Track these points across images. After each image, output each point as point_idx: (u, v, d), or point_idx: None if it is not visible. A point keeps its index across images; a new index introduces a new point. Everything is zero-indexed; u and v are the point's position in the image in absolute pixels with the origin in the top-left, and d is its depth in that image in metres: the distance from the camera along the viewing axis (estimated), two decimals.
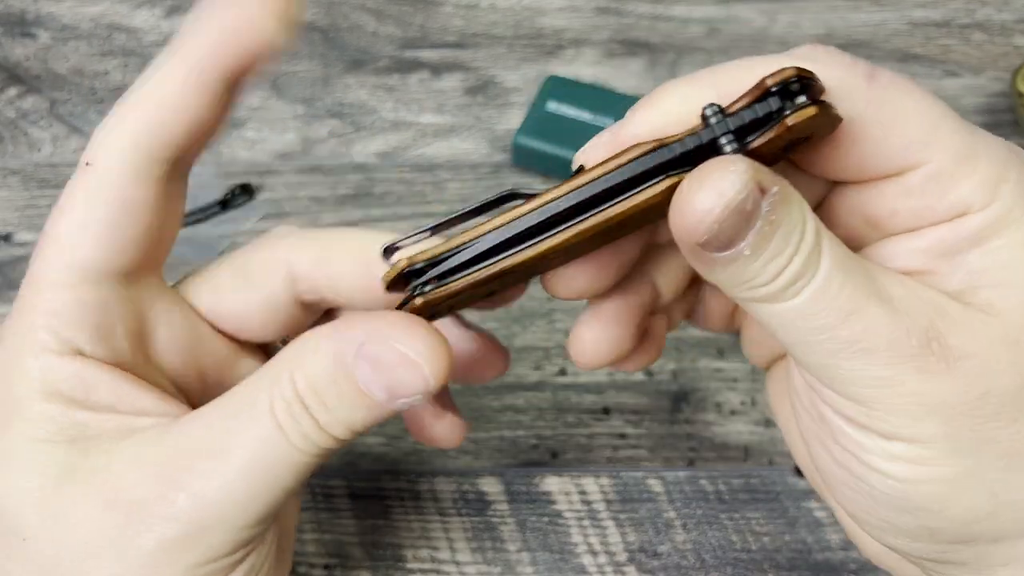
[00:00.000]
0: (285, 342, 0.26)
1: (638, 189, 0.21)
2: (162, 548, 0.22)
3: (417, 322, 0.23)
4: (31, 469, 0.23)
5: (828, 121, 0.21)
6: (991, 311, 0.22)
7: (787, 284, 0.20)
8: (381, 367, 0.22)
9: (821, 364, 0.22)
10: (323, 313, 0.29)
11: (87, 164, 0.24)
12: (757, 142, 0.20)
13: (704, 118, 0.21)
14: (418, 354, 0.22)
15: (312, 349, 0.23)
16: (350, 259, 0.26)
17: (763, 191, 0.19)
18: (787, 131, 0.20)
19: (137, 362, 0.25)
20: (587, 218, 0.21)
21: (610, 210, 0.21)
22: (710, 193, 0.19)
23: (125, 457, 0.23)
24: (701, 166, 0.20)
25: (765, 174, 0.20)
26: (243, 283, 0.26)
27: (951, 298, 0.22)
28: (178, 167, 0.24)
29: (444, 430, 0.28)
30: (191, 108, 0.23)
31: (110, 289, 0.24)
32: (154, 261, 0.25)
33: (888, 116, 0.23)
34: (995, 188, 0.22)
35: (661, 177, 0.21)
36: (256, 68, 0.24)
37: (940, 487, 0.22)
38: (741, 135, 0.20)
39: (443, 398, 0.29)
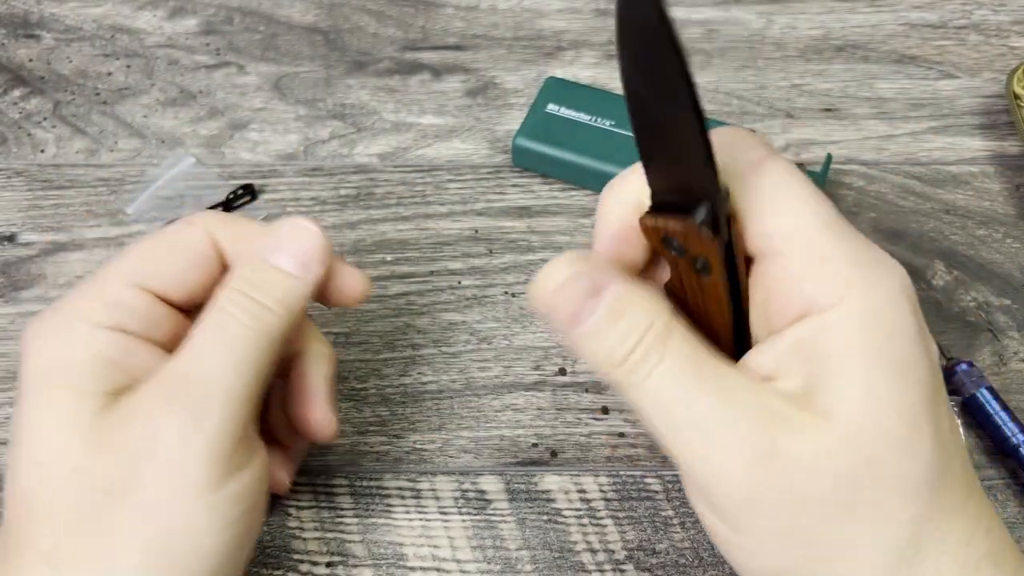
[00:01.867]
0: None
1: None
2: (180, 433, 0.26)
3: (301, 216, 0.30)
4: (76, 412, 0.27)
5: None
6: (826, 417, 0.24)
7: (632, 368, 0.25)
8: (282, 243, 0.29)
9: (669, 448, 0.25)
10: None
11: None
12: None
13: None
14: (305, 222, 0.30)
15: (237, 263, 0.30)
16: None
17: (599, 287, 0.25)
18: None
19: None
20: None
21: None
22: (544, 278, 0.26)
23: (137, 394, 0.27)
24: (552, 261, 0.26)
25: (605, 274, 0.25)
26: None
27: (792, 401, 0.24)
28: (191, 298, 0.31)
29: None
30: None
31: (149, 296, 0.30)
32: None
33: (759, 204, 0.25)
34: (842, 292, 0.24)
35: None
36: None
37: None
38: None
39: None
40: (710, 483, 0.25)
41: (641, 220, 0.26)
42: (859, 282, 0.24)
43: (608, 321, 0.25)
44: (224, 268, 0.31)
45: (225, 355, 0.27)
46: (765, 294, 0.26)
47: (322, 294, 0.32)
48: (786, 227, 0.25)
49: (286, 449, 0.34)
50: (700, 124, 0.23)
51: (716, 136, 0.24)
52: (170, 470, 0.26)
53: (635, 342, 0.25)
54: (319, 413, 0.32)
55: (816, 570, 0.24)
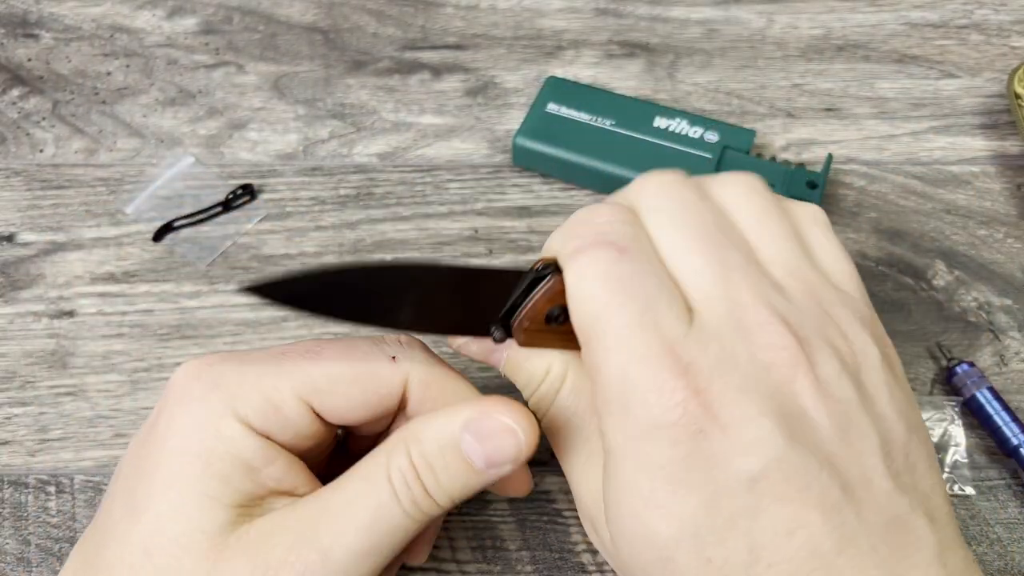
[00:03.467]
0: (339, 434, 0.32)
1: None
2: None
3: (513, 401, 0.26)
4: (200, 524, 0.25)
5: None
6: (615, 538, 0.25)
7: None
8: (483, 437, 0.26)
9: None
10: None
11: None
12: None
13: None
14: (516, 423, 0.26)
15: (425, 425, 0.26)
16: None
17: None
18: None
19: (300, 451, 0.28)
20: None
21: None
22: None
23: (272, 522, 0.26)
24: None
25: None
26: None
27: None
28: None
29: (519, 482, 0.31)
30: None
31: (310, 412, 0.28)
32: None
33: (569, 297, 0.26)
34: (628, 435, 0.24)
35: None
36: None
37: None
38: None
39: None
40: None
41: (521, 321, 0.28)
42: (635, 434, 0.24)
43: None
44: (401, 406, 0.29)
45: (366, 534, 0.25)
46: None
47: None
48: (579, 330, 0.26)
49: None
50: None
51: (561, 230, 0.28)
52: None
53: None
54: (519, 481, 0.31)
55: None
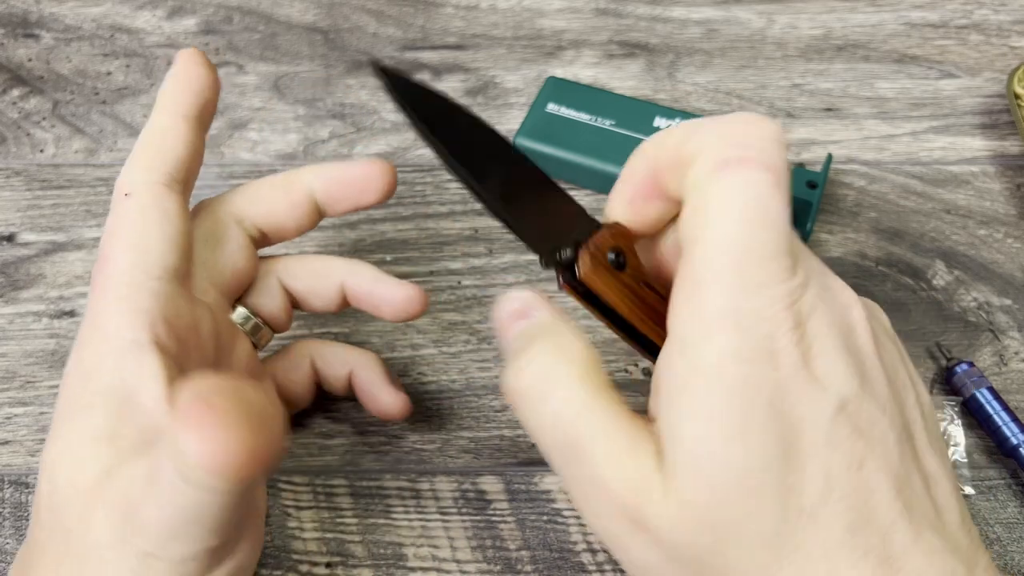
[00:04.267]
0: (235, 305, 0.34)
1: None
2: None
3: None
4: (85, 467, 0.26)
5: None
6: (672, 476, 0.23)
7: (529, 388, 0.26)
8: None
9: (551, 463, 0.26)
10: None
11: (126, 194, 0.31)
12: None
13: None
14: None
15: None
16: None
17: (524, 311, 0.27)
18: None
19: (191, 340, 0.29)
20: None
21: None
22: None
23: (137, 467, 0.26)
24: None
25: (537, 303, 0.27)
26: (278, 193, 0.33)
27: (659, 466, 0.24)
28: (186, 186, 0.32)
29: (389, 401, 0.35)
30: (183, 140, 0.32)
31: (170, 285, 0.29)
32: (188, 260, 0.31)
33: (701, 201, 0.24)
34: (712, 323, 0.23)
35: None
36: (212, 104, 0.34)
37: None
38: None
39: (390, 378, 0.36)
40: (592, 526, 0.26)
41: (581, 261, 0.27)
42: (745, 320, 0.23)
43: (521, 342, 0.27)
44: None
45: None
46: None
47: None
48: (697, 247, 0.24)
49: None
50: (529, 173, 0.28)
51: (716, 122, 0.25)
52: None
53: (534, 365, 0.26)
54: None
55: None
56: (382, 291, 0.34)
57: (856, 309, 0.25)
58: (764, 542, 0.23)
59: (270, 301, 0.34)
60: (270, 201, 0.33)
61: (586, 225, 0.28)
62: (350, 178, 0.33)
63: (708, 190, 0.24)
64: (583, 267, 0.27)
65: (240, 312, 0.33)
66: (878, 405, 0.24)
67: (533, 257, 0.43)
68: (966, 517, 0.25)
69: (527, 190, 0.29)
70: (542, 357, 0.26)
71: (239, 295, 0.34)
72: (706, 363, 0.23)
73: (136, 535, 0.25)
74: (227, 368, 0.31)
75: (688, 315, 0.24)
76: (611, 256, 0.27)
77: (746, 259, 0.23)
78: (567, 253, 0.27)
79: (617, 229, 0.28)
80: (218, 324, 0.31)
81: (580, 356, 0.26)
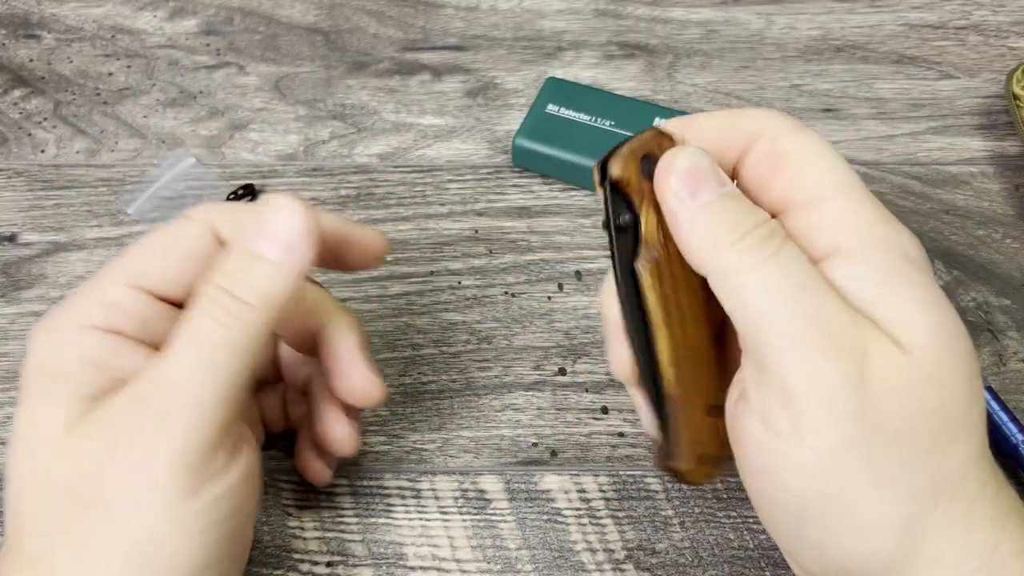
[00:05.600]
0: None
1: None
2: (148, 440, 0.25)
3: (285, 194, 0.28)
4: (53, 418, 0.26)
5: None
6: (910, 348, 0.24)
7: (748, 248, 0.25)
8: (262, 228, 0.27)
9: (765, 344, 0.24)
10: None
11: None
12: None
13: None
14: (282, 201, 0.28)
15: (219, 260, 0.28)
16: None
17: (724, 181, 0.26)
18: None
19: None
20: None
21: None
22: (678, 154, 0.26)
23: (119, 394, 0.27)
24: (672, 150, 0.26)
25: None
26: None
27: (882, 330, 0.24)
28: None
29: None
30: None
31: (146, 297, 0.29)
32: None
33: (802, 155, 0.27)
34: (868, 229, 0.26)
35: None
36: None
37: (847, 498, 0.24)
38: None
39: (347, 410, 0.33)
40: (795, 388, 0.24)
41: (614, 159, 0.27)
42: (882, 229, 0.26)
43: (734, 200, 0.26)
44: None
45: (198, 359, 0.26)
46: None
47: (337, 262, 0.31)
48: (827, 178, 0.26)
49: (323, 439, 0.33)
50: None
51: (749, 115, 0.27)
52: (137, 479, 0.25)
53: (755, 225, 0.25)
54: (360, 379, 0.31)
55: (869, 497, 0.24)
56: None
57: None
58: (975, 422, 0.25)
59: None
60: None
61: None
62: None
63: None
64: (614, 166, 0.26)
65: None
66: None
67: (534, 257, 0.43)
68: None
69: None
70: (776, 250, 0.25)
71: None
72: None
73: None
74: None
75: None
76: (645, 165, 0.27)
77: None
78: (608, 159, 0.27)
79: (658, 137, 0.27)
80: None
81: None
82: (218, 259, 0.28)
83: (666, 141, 0.27)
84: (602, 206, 0.27)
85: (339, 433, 0.32)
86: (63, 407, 0.26)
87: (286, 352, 0.35)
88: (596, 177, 0.27)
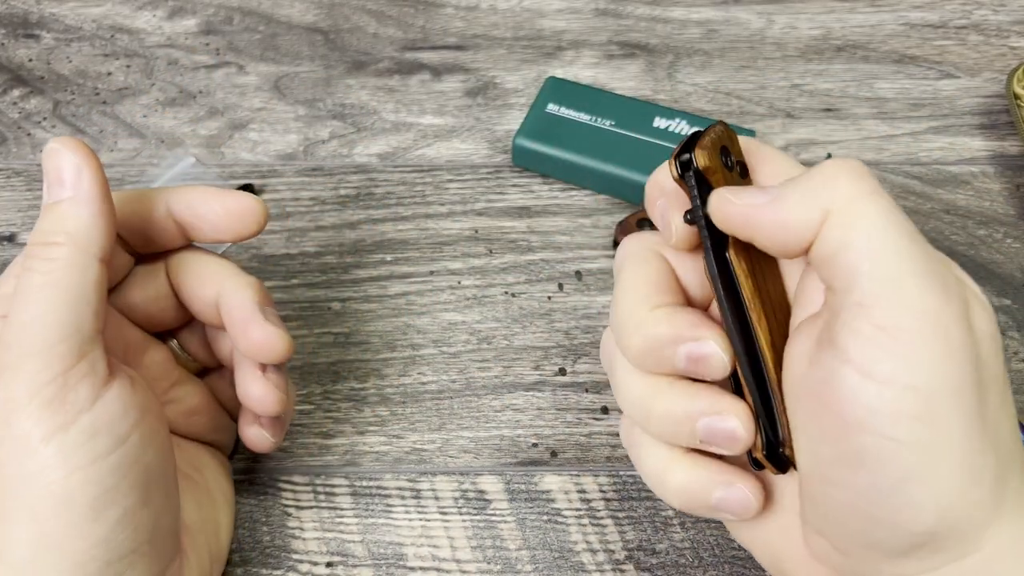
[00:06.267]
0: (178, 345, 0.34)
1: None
2: (5, 395, 0.26)
3: (54, 139, 0.29)
4: None
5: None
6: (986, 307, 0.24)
7: (859, 195, 0.24)
8: (49, 178, 0.29)
9: (879, 277, 0.23)
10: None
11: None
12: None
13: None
14: (55, 146, 0.29)
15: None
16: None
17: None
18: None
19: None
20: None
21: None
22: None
23: None
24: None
25: None
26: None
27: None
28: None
29: (260, 336, 0.31)
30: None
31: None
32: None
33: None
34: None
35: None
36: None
37: (955, 440, 0.23)
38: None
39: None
40: (910, 323, 0.23)
41: (699, 150, 0.26)
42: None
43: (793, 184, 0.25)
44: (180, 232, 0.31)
45: (30, 306, 0.27)
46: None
47: (195, 231, 0.31)
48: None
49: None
50: None
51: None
52: (8, 429, 0.26)
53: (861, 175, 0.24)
54: (258, 333, 0.31)
55: (973, 442, 0.23)
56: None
57: None
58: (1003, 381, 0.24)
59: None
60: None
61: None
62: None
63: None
64: (700, 157, 0.26)
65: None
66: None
67: (534, 257, 0.43)
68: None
69: None
70: (881, 197, 0.24)
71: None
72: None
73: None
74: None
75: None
76: (724, 159, 0.27)
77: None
78: (684, 152, 0.27)
79: (728, 131, 0.27)
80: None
81: None
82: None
83: (735, 137, 0.27)
84: (682, 200, 0.27)
85: (255, 391, 0.32)
86: None
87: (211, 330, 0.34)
88: (674, 172, 0.27)
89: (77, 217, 0.28)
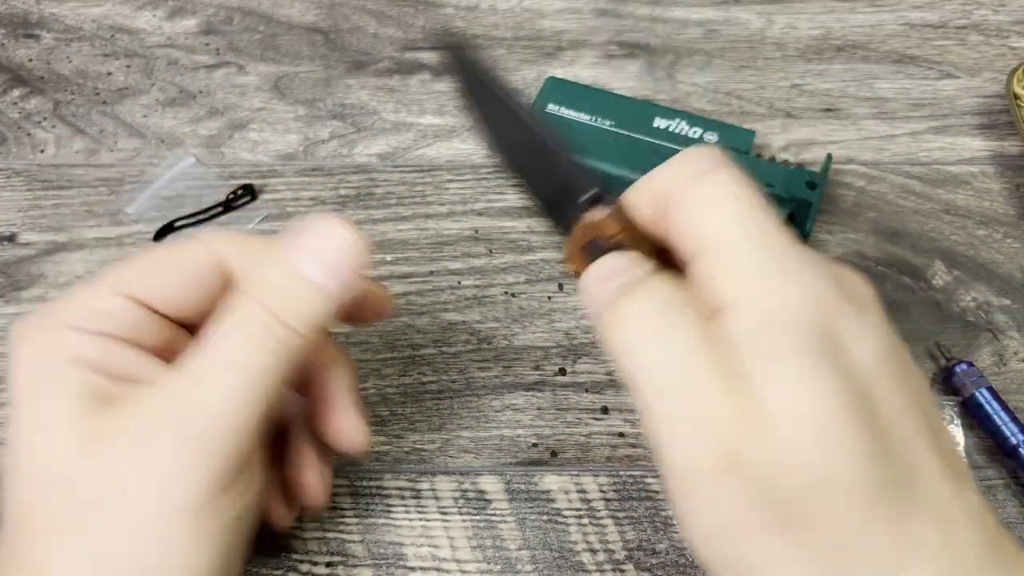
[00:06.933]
0: None
1: None
2: (180, 459, 0.25)
3: (334, 216, 0.27)
4: (58, 419, 0.26)
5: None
6: (766, 423, 0.23)
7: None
8: (312, 246, 0.27)
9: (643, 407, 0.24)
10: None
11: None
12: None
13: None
14: (344, 232, 0.27)
15: (258, 272, 0.27)
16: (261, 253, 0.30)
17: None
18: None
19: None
20: None
21: None
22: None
23: (139, 402, 0.26)
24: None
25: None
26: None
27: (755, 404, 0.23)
28: None
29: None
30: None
31: (136, 305, 0.28)
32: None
33: (691, 208, 0.25)
34: (745, 293, 0.24)
35: None
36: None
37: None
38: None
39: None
40: (675, 463, 0.23)
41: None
42: (766, 285, 0.24)
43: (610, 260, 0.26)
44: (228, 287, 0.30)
45: (236, 384, 0.25)
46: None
47: (349, 314, 0.30)
48: (710, 228, 0.25)
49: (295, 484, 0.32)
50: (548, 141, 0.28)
51: (667, 165, 0.26)
52: (164, 494, 0.25)
53: (648, 305, 0.25)
54: (349, 424, 0.30)
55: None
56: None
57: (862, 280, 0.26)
58: (845, 492, 0.22)
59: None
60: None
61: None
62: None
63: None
64: (565, 259, 0.28)
65: None
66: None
67: (534, 257, 0.43)
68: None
69: (541, 163, 0.29)
70: (654, 298, 0.25)
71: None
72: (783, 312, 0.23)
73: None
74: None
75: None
76: (600, 245, 0.27)
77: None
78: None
79: (593, 226, 0.27)
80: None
81: (683, 300, 0.25)
82: (252, 271, 0.27)
83: (607, 224, 0.27)
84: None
85: (312, 480, 0.31)
86: (66, 407, 0.26)
87: None
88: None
89: (323, 315, 0.27)
